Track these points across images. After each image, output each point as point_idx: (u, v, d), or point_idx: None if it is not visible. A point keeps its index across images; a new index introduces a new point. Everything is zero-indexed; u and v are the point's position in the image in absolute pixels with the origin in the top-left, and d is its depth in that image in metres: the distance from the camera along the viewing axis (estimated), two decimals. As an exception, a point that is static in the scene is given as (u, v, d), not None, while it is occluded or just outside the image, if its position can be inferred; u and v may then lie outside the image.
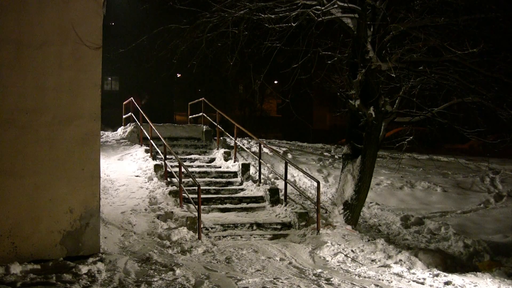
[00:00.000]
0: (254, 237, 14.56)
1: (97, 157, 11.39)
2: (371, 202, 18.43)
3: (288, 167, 17.40)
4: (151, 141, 19.65)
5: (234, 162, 20.04)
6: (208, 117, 24.41)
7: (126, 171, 18.51)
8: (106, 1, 12.08)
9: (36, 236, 10.74)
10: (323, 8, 13.88)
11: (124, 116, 26.52)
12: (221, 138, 23.33)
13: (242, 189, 18.08)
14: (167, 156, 18.32)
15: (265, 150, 22.04)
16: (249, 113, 58.49)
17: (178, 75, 49.70)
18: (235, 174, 19.27)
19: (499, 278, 12.28)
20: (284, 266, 11.92)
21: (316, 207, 15.14)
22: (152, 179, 17.53)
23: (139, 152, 20.65)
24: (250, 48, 16.22)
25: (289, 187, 17.08)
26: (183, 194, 15.76)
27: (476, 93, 14.36)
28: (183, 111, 49.08)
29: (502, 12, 13.84)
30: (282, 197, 16.94)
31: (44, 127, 10.79)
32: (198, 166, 19.91)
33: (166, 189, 16.65)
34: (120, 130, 25.54)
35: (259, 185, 17.90)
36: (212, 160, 20.98)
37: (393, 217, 17.46)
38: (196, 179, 15.80)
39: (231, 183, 18.61)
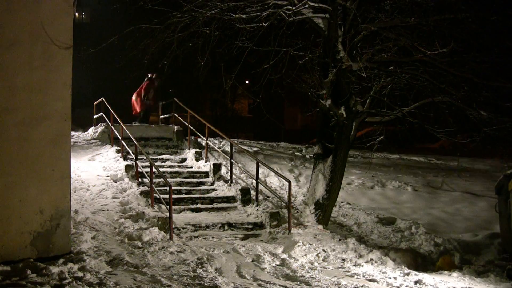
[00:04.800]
0: (226, 237, 14.53)
1: (68, 157, 11.30)
2: (342, 202, 18.47)
3: (260, 167, 17.41)
4: (122, 141, 19.60)
5: (206, 162, 20.02)
6: (179, 117, 24.37)
7: (97, 172, 18.41)
8: (77, 1, 11.99)
9: (6, 237, 10.62)
10: (294, 8, 13.90)
11: (94, 116, 26.32)
12: (193, 138, 23.31)
13: (214, 189, 18.07)
14: (139, 156, 18.27)
15: (236, 149, 22.03)
16: (221, 113, 58.41)
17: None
18: (206, 174, 19.25)
19: (468, 276, 12.43)
20: (255, 266, 11.92)
21: (287, 206, 15.17)
22: (123, 180, 17.47)
23: (110, 152, 20.54)
24: (221, 48, 16.21)
25: (260, 187, 17.10)
26: (155, 195, 15.70)
27: (446, 93, 14.48)
28: (155, 111, 48.83)
29: (471, 13, 13.97)
30: (254, 197, 16.95)
31: (14, 127, 10.67)
32: (170, 166, 19.86)
33: (137, 189, 16.61)
34: (90, 130, 25.36)
35: (230, 185, 17.91)
36: (184, 160, 20.93)
37: (364, 216, 17.53)
38: (168, 179, 15.74)
39: (202, 183, 18.59)
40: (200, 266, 11.44)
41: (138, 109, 25.94)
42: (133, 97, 26.04)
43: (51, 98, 11.02)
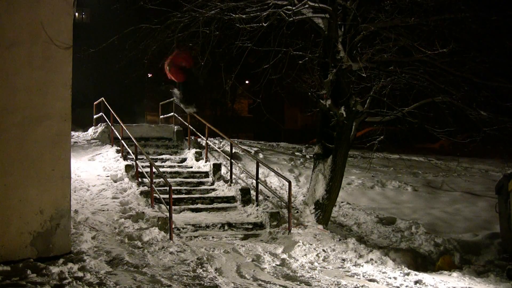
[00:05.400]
0: (226, 237, 14.52)
1: (68, 157, 11.29)
2: (342, 202, 18.47)
3: (260, 167, 17.40)
4: (122, 141, 19.59)
5: (206, 162, 20.01)
6: (179, 117, 24.34)
7: (97, 172, 18.41)
8: (77, 1, 11.98)
9: (6, 238, 10.60)
10: (294, 8, 13.89)
11: (94, 116, 26.31)
12: (193, 138, 23.29)
13: (214, 189, 18.07)
14: (139, 156, 18.26)
15: (236, 150, 22.02)
16: (221, 113, 58.37)
17: (149, 75, 49.48)
18: (206, 174, 19.24)
19: (468, 276, 12.43)
20: (255, 266, 11.91)
21: (287, 206, 15.17)
22: (123, 180, 17.46)
23: (110, 152, 20.54)
24: (221, 48, 16.19)
25: (260, 187, 17.08)
26: (155, 195, 15.70)
27: (446, 92, 14.46)
28: (155, 111, 48.77)
29: (471, 13, 13.95)
30: (254, 197, 16.93)
31: (14, 127, 10.66)
32: (170, 166, 19.85)
33: (137, 189, 16.60)
34: (90, 130, 25.36)
35: (230, 185, 17.90)
36: (184, 160, 20.93)
37: (364, 216, 17.52)
38: (168, 179, 15.73)
39: (202, 183, 18.58)
40: (200, 266, 11.43)
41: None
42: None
43: (51, 98, 11.01)
